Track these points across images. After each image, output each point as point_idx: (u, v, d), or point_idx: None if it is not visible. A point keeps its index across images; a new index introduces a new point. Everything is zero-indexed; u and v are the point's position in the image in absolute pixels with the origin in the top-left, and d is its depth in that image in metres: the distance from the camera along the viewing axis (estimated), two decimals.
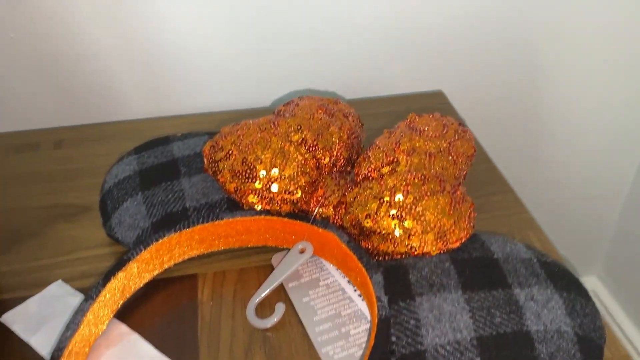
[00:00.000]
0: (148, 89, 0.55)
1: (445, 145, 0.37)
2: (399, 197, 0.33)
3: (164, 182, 0.39)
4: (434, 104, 0.55)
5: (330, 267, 0.37)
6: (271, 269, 0.38)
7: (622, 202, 0.80)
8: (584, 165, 0.73)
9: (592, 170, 0.74)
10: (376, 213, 0.34)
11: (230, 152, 0.37)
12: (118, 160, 0.43)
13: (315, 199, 0.37)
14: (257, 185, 0.36)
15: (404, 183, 0.34)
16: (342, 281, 0.36)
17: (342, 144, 0.38)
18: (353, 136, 0.39)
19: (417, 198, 0.33)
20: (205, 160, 0.38)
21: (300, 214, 0.37)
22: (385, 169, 0.36)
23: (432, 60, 0.58)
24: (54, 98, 0.53)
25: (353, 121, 0.41)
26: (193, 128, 0.52)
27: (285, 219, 0.37)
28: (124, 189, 0.39)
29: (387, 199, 0.34)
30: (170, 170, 0.40)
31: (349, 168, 0.39)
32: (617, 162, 0.74)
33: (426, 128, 0.38)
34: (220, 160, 0.37)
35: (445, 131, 0.38)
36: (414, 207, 0.33)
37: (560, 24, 0.59)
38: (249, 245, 0.38)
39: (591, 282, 0.91)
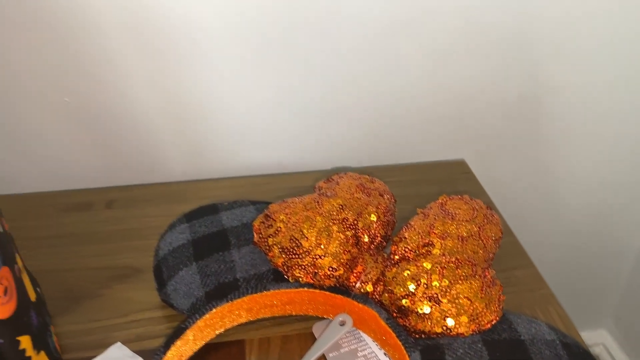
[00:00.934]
0: (191, 150, 0.59)
1: (475, 229, 0.40)
2: (435, 280, 0.37)
3: (216, 252, 0.42)
4: (456, 172, 0.59)
5: (367, 338, 0.40)
6: (312, 336, 0.41)
7: (633, 255, 0.83)
8: (596, 221, 0.76)
9: (604, 225, 0.77)
10: (414, 294, 0.37)
11: (279, 229, 0.40)
12: (170, 227, 0.46)
13: (355, 274, 0.40)
14: (303, 261, 0.39)
15: (439, 267, 0.37)
16: (379, 353, 0.39)
17: (379, 222, 0.42)
18: (389, 214, 0.43)
19: (452, 282, 0.37)
20: (255, 234, 0.42)
21: (341, 287, 0.40)
22: (421, 251, 0.39)
23: (455, 129, 0.62)
24: (105, 158, 0.57)
25: (388, 199, 0.44)
26: (234, 191, 0.56)
27: (327, 293, 0.40)
28: (179, 257, 0.43)
29: (424, 281, 0.37)
30: (220, 240, 0.44)
31: (384, 243, 0.43)
32: (628, 218, 0.77)
33: (458, 211, 0.41)
34: (269, 237, 0.41)
35: (475, 215, 0.41)
36: (449, 290, 0.36)
37: (582, 91, 0.63)
38: (292, 314, 0.42)
39: (601, 336, 0.93)
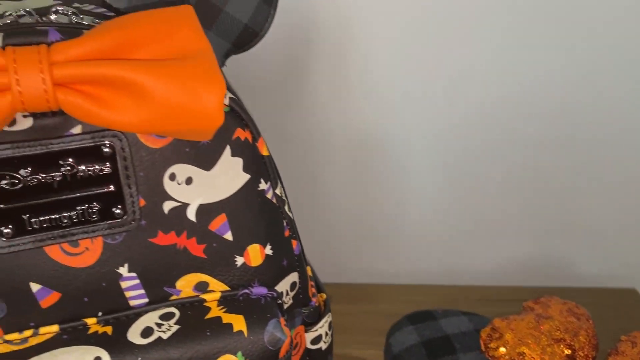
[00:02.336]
0: (383, 256, 0.69)
1: None
2: None
3: (446, 355, 0.51)
4: (627, 301, 0.66)
5: None
6: None
7: None
8: None
9: None
10: None
11: (507, 342, 0.49)
12: (397, 327, 0.56)
13: None
14: None
15: None
16: None
17: (589, 344, 0.49)
18: (594, 337, 0.51)
19: None
20: (482, 343, 0.51)
21: None
22: None
23: (625, 256, 0.69)
24: (321, 258, 0.69)
25: (592, 324, 0.52)
26: (429, 298, 0.65)
27: None
28: (414, 356, 0.52)
29: None
30: (447, 344, 0.53)
31: None
32: None
33: None
34: (497, 348, 0.49)
35: None
36: None
37: None
38: None
39: None
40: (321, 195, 0.67)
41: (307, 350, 0.39)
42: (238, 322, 0.31)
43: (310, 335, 0.38)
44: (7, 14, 0.29)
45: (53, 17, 0.29)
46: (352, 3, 0.58)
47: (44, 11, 0.30)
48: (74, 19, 0.29)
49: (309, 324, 0.38)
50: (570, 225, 0.68)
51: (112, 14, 0.33)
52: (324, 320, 0.38)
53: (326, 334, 0.39)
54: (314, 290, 0.39)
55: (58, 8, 0.29)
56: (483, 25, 0.59)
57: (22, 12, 0.29)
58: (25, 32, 0.27)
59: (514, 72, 0.61)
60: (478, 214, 0.68)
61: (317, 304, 0.38)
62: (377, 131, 0.64)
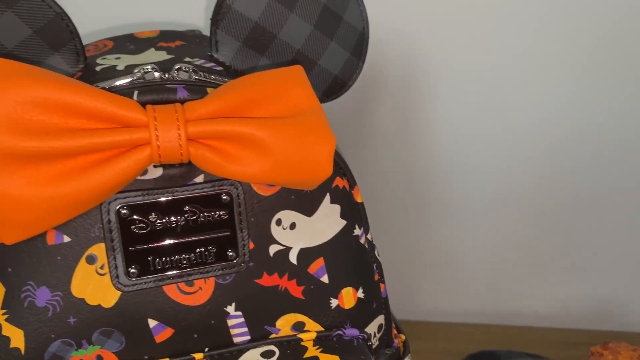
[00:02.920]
0: (444, 291, 0.70)
1: None
2: None
3: None
4: None
5: None
6: None
7: None
8: None
9: None
10: None
11: None
12: None
13: None
14: None
15: None
16: None
17: None
18: None
19: None
20: None
21: None
22: None
23: None
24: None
25: None
26: (491, 337, 0.65)
27: None
28: None
29: None
30: None
31: None
32: None
33: None
34: None
35: None
36: None
37: None
38: None
39: None
40: (380, 233, 0.68)
41: None
42: None
43: None
44: (135, 70, 0.32)
45: (175, 74, 0.32)
46: (417, 48, 0.60)
47: (166, 67, 0.33)
48: (194, 75, 0.32)
49: None
50: (634, 267, 0.68)
51: (220, 68, 0.35)
52: None
53: None
54: (395, 331, 0.40)
55: (180, 65, 0.32)
56: (547, 73, 0.60)
57: (149, 69, 0.32)
58: (156, 90, 0.30)
59: (576, 112, 0.61)
60: (538, 254, 0.68)
61: (398, 345, 0.39)
62: (436, 171, 0.65)
